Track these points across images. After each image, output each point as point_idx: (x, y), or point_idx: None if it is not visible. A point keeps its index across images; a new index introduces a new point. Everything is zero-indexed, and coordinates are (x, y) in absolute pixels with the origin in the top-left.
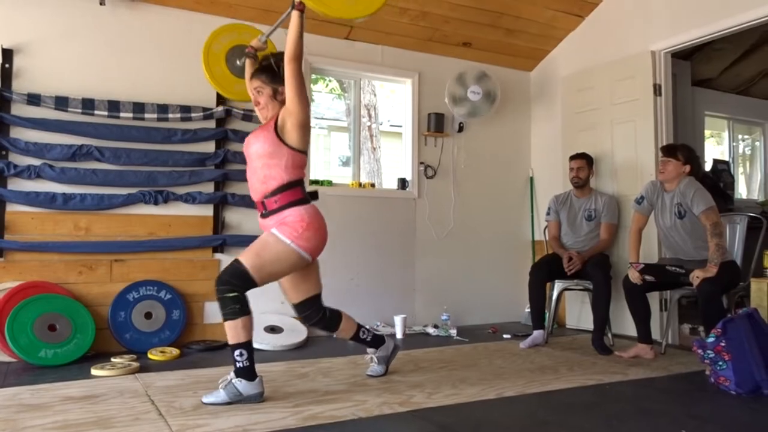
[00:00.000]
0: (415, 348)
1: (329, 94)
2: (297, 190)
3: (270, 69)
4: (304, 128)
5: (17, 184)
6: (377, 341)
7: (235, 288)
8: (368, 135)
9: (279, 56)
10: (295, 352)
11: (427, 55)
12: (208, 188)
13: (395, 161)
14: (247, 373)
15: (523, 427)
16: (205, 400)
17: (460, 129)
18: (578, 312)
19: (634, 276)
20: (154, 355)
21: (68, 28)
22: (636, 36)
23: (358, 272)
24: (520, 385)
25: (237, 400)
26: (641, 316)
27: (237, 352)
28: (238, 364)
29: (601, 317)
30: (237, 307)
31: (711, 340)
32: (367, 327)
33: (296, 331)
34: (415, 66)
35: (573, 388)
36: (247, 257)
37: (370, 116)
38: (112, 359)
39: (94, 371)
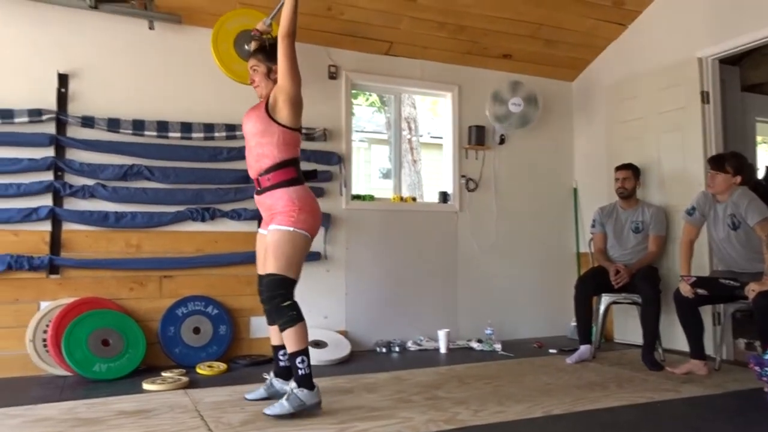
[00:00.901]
0: (459, 363)
1: (369, 107)
2: (290, 170)
3: (266, 48)
4: (295, 105)
5: (72, 204)
6: (288, 375)
7: (285, 296)
8: (408, 147)
9: (275, 38)
10: (339, 367)
11: (467, 68)
12: (253, 205)
13: (436, 172)
14: (307, 381)
15: None
16: (269, 412)
17: (502, 141)
18: (626, 326)
19: (686, 289)
20: (202, 369)
21: (119, 53)
22: (681, 43)
23: (400, 286)
24: (567, 403)
25: (300, 409)
26: (693, 331)
27: (298, 359)
28: (300, 372)
29: (651, 332)
30: (294, 314)
31: None
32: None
33: (340, 346)
34: (455, 79)
35: (623, 407)
36: (274, 265)
37: (410, 129)
38: (163, 374)
39: (145, 386)
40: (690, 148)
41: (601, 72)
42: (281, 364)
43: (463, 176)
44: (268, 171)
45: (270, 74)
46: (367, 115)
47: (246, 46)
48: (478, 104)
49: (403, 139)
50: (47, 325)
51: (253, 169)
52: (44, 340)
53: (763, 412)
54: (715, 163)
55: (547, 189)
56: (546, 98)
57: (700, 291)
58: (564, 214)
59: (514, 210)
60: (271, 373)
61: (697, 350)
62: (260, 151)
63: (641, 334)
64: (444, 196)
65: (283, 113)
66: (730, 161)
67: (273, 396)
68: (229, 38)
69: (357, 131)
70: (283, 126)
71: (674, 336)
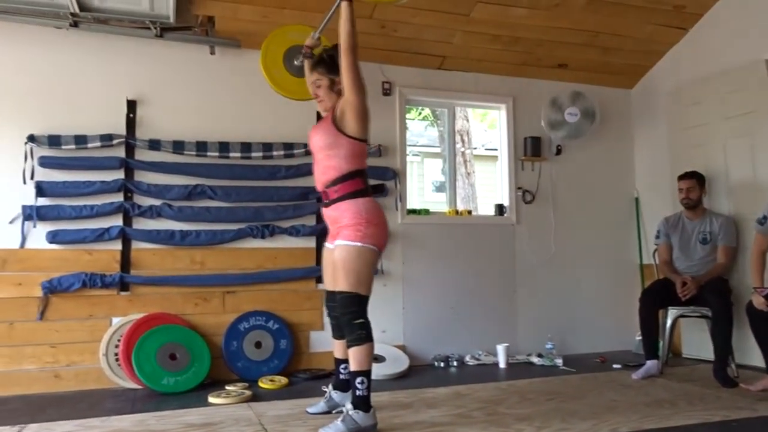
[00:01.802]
0: (520, 378)
1: (422, 121)
2: (357, 181)
3: (326, 61)
4: (363, 116)
5: (141, 223)
6: (347, 387)
7: (357, 313)
8: (462, 160)
9: (334, 49)
10: (398, 381)
11: (521, 79)
12: (311, 221)
13: (490, 185)
14: (364, 403)
15: None
16: (310, 411)
17: (558, 152)
18: (696, 340)
19: (759, 302)
20: (264, 383)
21: (183, 78)
22: (747, 45)
23: (457, 301)
24: (635, 420)
25: (356, 431)
26: None
27: (358, 380)
28: (357, 392)
29: (723, 346)
30: (363, 333)
31: None
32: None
33: (398, 361)
34: (510, 91)
35: (695, 425)
36: (344, 283)
37: (463, 142)
38: (227, 387)
39: (211, 399)
40: (760, 153)
41: (662, 78)
42: (341, 377)
43: (519, 188)
44: (335, 182)
45: (333, 87)
46: (419, 129)
47: (296, 62)
48: (534, 115)
49: (456, 152)
50: (119, 340)
51: (320, 182)
52: (116, 354)
53: None
54: None
55: (607, 199)
56: (604, 107)
57: None
58: (626, 224)
59: (572, 221)
60: (330, 386)
61: None
62: (327, 163)
63: (712, 349)
64: (500, 209)
65: (351, 125)
66: None
67: (333, 408)
68: (278, 55)
69: (410, 145)
70: (351, 137)
71: (748, 351)
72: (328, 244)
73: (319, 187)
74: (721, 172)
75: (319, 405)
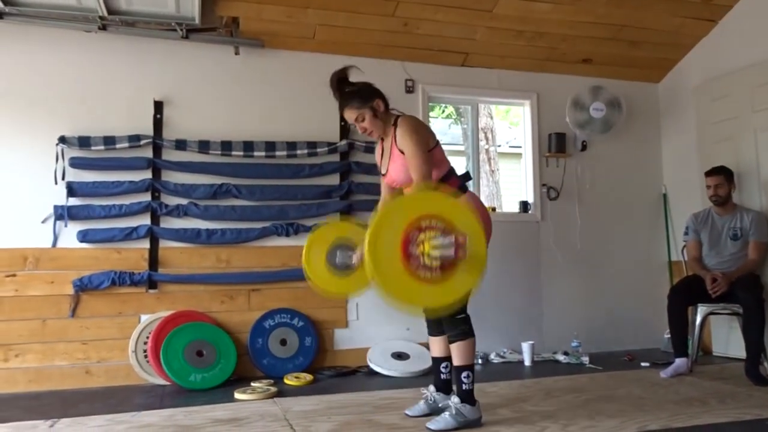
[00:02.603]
0: (545, 376)
1: (445, 119)
2: (452, 182)
3: (355, 93)
4: (423, 146)
5: (168, 222)
6: (449, 388)
7: (461, 310)
8: (486, 158)
9: (343, 79)
10: (422, 379)
11: (545, 74)
12: (334, 219)
13: (514, 182)
14: (470, 396)
15: None
16: (433, 426)
17: (584, 148)
18: (726, 338)
19: None
20: (289, 380)
21: (208, 78)
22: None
23: (482, 298)
24: (663, 419)
25: (464, 425)
26: None
27: (464, 374)
28: (463, 387)
29: (755, 344)
30: (466, 328)
31: None
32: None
33: (422, 358)
34: (533, 87)
35: (727, 423)
36: None
37: (487, 139)
38: (252, 384)
39: (237, 395)
40: None
41: (690, 71)
42: (443, 377)
43: (543, 185)
44: None
45: (376, 113)
46: (443, 128)
47: (337, 260)
48: (558, 111)
49: (480, 150)
50: (147, 337)
51: None
52: (145, 351)
53: None
54: None
55: (634, 195)
56: (630, 101)
57: None
58: (653, 221)
59: (598, 218)
60: (431, 387)
61: None
62: None
63: (743, 347)
64: (524, 206)
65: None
66: None
67: (434, 411)
68: (321, 264)
69: None
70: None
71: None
72: None
73: None
74: (752, 166)
75: (418, 407)
